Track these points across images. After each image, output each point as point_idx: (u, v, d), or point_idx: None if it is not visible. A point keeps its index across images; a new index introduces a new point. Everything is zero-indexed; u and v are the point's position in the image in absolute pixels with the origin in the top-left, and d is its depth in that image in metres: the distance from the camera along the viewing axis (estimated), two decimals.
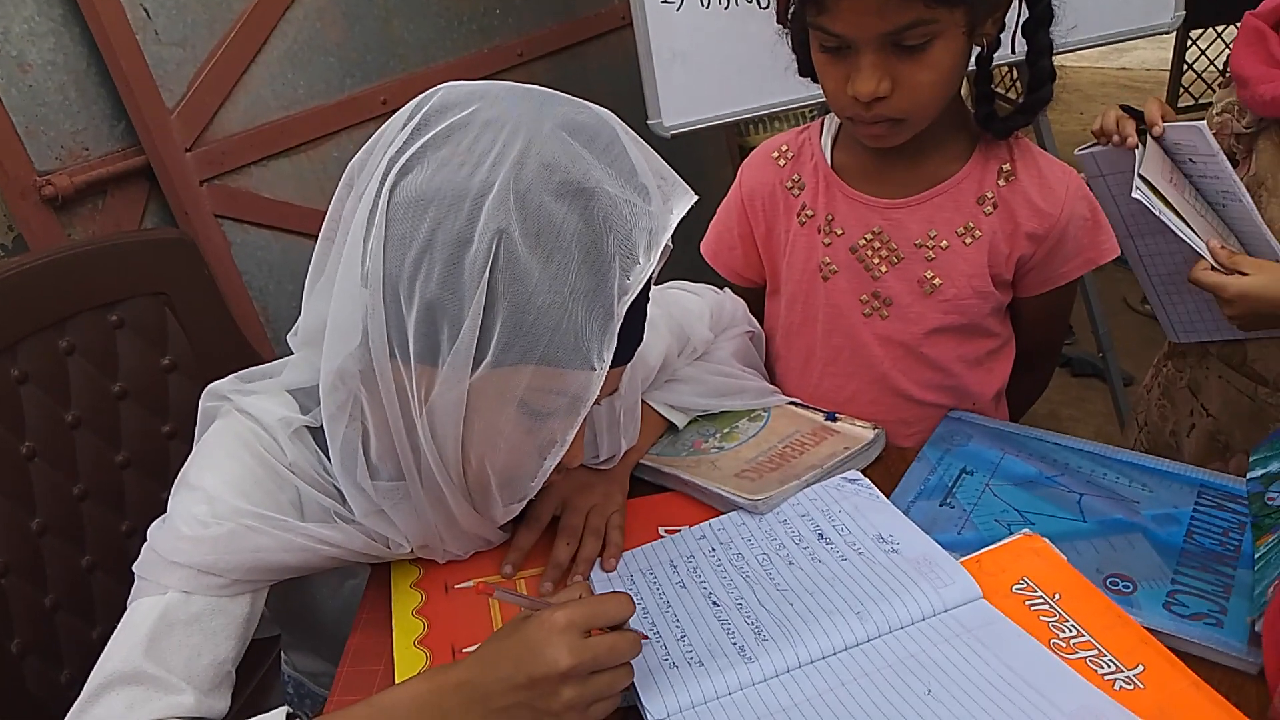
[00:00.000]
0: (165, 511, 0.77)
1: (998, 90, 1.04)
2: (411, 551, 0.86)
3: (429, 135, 0.67)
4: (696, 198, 0.73)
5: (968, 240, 1.01)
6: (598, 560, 0.89)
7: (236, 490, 0.76)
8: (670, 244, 0.71)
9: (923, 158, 1.01)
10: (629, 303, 0.68)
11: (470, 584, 0.87)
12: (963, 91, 1.03)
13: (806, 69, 0.99)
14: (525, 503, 0.83)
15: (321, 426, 0.77)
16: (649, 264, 0.68)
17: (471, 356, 0.66)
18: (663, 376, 1.05)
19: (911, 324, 1.05)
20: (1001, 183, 1.00)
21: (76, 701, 0.71)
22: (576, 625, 0.66)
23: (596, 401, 0.71)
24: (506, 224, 0.64)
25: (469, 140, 0.66)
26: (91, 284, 1.14)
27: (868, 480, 0.92)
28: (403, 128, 0.69)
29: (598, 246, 0.66)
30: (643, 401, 1.01)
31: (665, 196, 0.70)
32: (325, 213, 0.75)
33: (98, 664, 0.72)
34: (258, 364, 0.89)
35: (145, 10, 1.47)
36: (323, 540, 0.78)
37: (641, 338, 0.75)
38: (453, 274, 0.65)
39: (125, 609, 0.74)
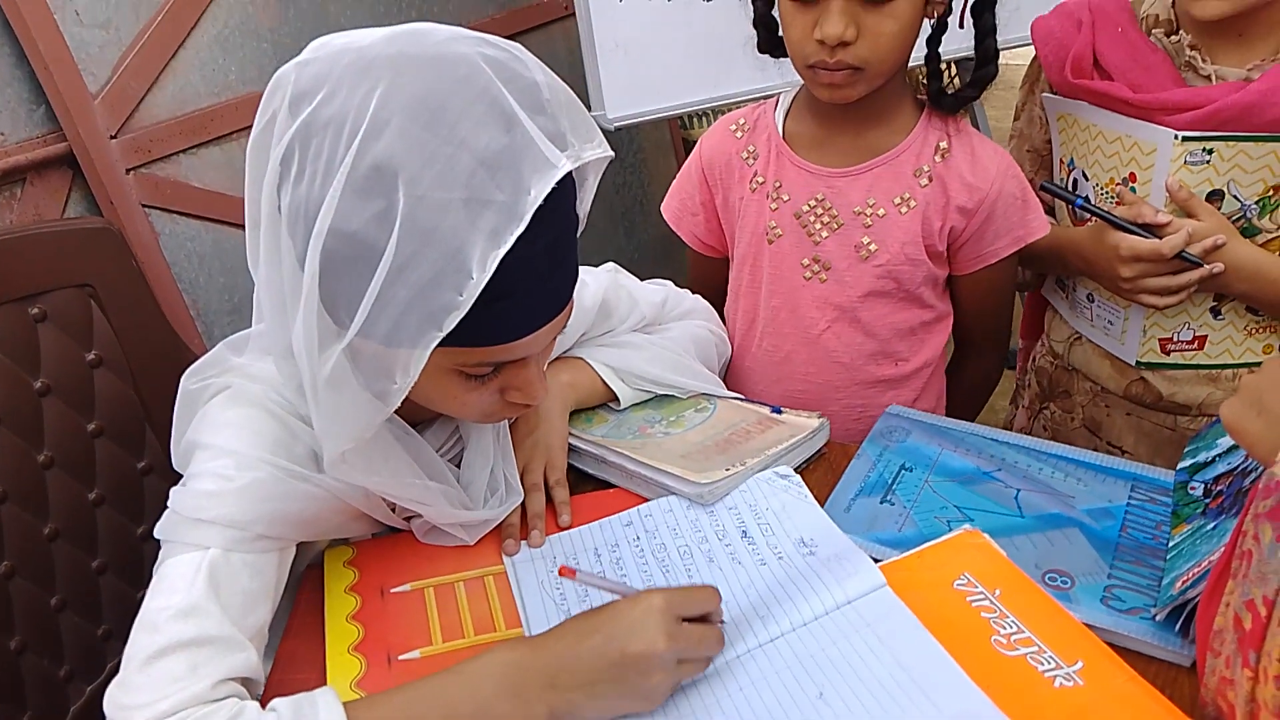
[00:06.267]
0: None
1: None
2: (409, 520, 0.88)
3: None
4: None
5: (903, 209, 1.07)
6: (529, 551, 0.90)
7: (256, 443, 0.77)
8: None
9: (867, 129, 1.07)
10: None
11: (406, 588, 0.85)
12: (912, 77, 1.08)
13: (766, 45, 1.06)
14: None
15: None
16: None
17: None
18: (602, 327, 1.07)
19: (848, 287, 1.11)
20: (938, 159, 1.06)
21: (126, 664, 0.69)
22: (674, 610, 0.68)
23: None
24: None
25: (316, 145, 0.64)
26: (11, 275, 1.09)
27: (798, 478, 0.93)
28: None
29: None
30: (584, 361, 1.03)
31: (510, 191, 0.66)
32: None
33: (141, 623, 0.70)
34: (189, 359, 0.87)
35: None
36: (329, 490, 0.78)
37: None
38: None
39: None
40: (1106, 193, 1.09)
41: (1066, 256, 1.14)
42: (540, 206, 0.64)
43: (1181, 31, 1.04)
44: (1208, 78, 1.01)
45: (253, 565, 0.75)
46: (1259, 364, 1.07)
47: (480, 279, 0.63)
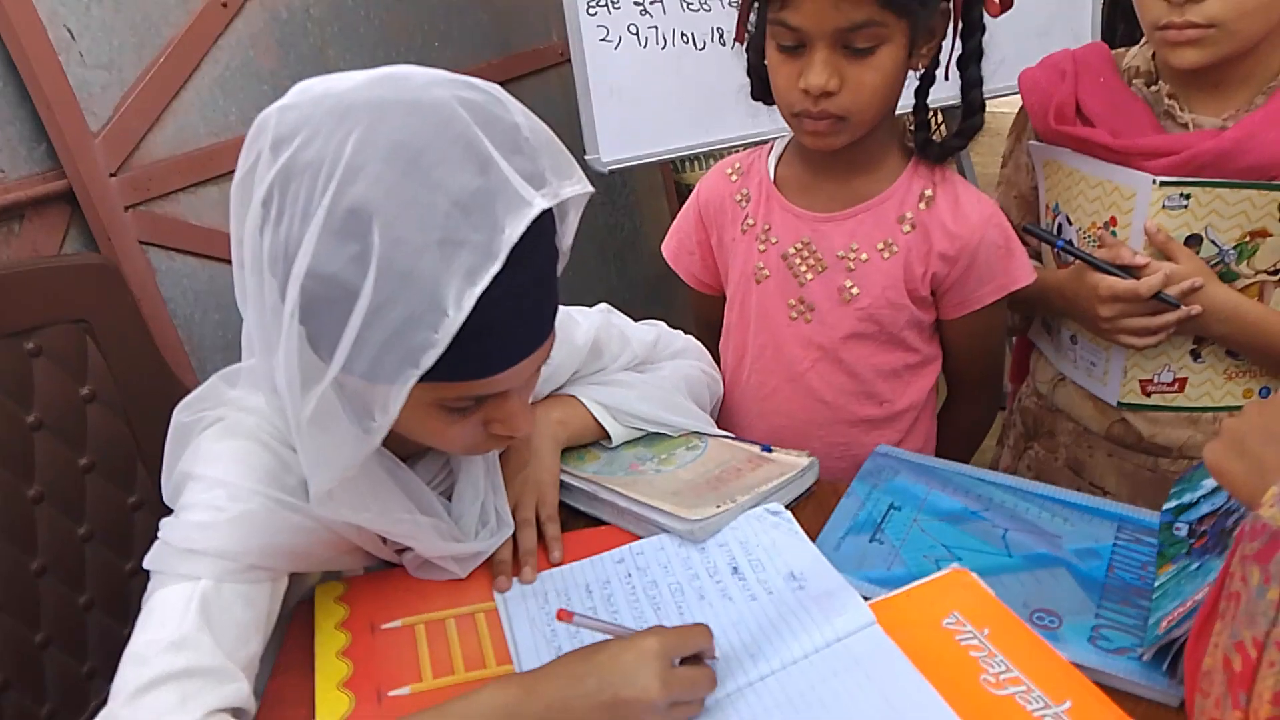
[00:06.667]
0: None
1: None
2: (401, 553, 0.88)
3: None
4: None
5: (886, 255, 1.09)
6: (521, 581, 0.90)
7: (249, 474, 0.77)
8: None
9: (853, 176, 1.09)
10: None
11: (397, 624, 0.85)
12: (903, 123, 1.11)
13: (758, 93, 1.09)
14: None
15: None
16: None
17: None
18: (594, 365, 1.08)
19: (830, 329, 1.13)
20: (922, 206, 1.08)
21: (114, 697, 0.68)
22: (668, 654, 0.68)
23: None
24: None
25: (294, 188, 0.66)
26: (7, 310, 1.10)
27: (789, 514, 0.93)
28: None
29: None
30: (576, 398, 1.04)
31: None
32: None
33: (130, 656, 0.70)
34: (181, 393, 0.87)
35: (69, 31, 1.43)
36: (322, 521, 0.78)
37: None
38: None
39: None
40: (1089, 236, 1.12)
41: (1049, 297, 1.16)
42: (517, 244, 0.65)
43: (1161, 82, 1.07)
44: (1185, 125, 1.04)
45: (245, 595, 0.75)
46: (1239, 407, 1.09)
47: (456, 317, 0.64)
